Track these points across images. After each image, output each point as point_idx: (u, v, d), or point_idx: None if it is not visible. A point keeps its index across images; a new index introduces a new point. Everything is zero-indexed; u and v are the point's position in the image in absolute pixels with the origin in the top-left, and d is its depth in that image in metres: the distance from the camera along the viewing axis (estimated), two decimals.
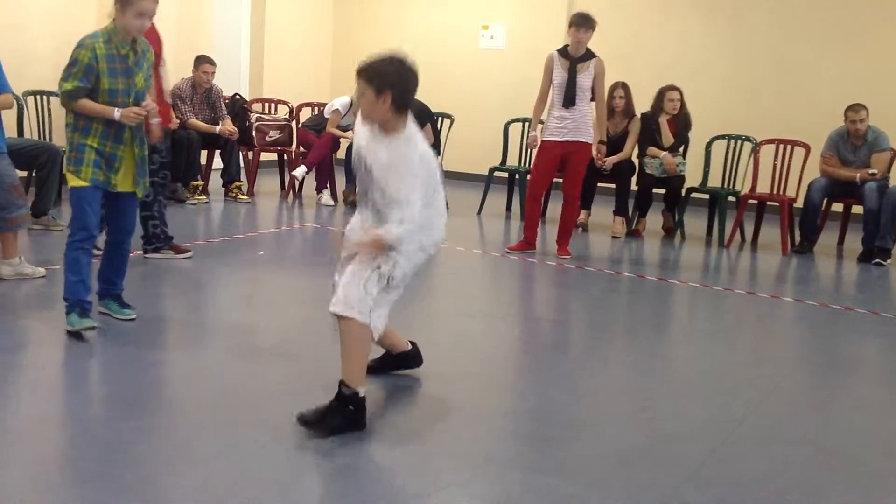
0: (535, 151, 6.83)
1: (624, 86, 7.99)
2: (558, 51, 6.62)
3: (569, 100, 6.46)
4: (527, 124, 8.58)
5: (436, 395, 3.70)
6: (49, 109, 7.57)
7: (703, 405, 3.76)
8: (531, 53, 6.71)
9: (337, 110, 8.68)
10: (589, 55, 6.51)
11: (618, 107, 7.98)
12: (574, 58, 6.49)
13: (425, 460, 3.02)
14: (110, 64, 3.98)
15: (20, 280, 4.94)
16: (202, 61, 8.26)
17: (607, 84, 7.00)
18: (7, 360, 3.75)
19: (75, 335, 4.00)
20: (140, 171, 4.18)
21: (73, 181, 4.04)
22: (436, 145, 8.62)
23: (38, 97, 7.53)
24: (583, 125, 6.52)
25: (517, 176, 8.85)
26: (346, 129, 8.81)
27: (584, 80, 6.48)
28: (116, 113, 3.98)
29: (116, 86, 4.00)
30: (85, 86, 3.95)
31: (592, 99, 6.61)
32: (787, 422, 3.64)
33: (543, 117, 6.79)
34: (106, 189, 4.08)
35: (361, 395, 3.17)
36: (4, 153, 5.07)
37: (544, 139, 6.63)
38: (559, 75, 6.52)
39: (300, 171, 8.54)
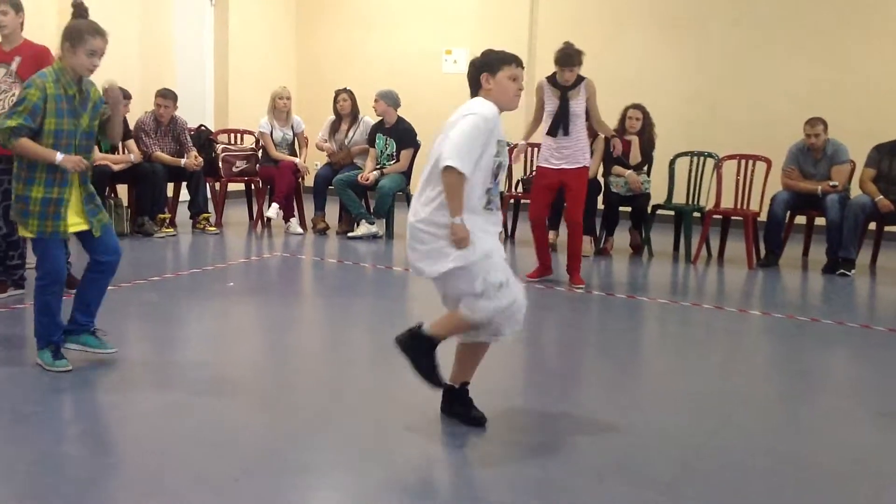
0: (519, 155, 6.60)
1: None
2: (548, 79, 6.46)
3: (564, 129, 6.31)
4: None
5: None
6: None
7: (676, 419, 3.79)
8: None
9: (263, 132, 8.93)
10: (578, 80, 6.36)
11: None
12: (564, 87, 6.34)
13: (388, 483, 3.02)
14: (58, 104, 3.89)
15: None
16: (156, 95, 8.33)
17: None
18: None
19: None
20: (90, 209, 4.05)
21: (23, 232, 4.02)
22: (407, 172, 8.61)
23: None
24: (579, 152, 6.36)
25: None
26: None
27: (577, 106, 6.33)
28: (59, 156, 3.87)
29: (62, 126, 3.91)
30: (28, 125, 3.83)
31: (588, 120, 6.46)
32: (758, 433, 3.68)
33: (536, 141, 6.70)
34: (56, 239, 4.00)
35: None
36: None
37: (540, 164, 6.52)
38: (551, 103, 6.38)
39: (273, 210, 8.56)
